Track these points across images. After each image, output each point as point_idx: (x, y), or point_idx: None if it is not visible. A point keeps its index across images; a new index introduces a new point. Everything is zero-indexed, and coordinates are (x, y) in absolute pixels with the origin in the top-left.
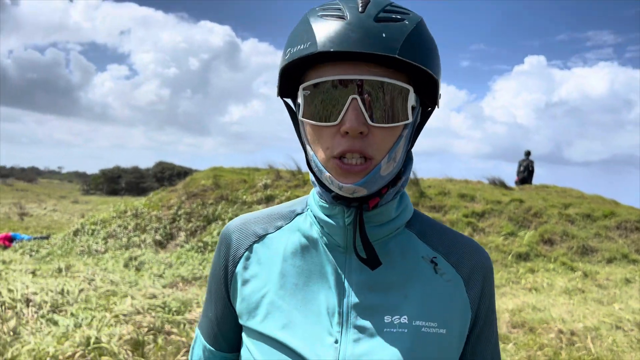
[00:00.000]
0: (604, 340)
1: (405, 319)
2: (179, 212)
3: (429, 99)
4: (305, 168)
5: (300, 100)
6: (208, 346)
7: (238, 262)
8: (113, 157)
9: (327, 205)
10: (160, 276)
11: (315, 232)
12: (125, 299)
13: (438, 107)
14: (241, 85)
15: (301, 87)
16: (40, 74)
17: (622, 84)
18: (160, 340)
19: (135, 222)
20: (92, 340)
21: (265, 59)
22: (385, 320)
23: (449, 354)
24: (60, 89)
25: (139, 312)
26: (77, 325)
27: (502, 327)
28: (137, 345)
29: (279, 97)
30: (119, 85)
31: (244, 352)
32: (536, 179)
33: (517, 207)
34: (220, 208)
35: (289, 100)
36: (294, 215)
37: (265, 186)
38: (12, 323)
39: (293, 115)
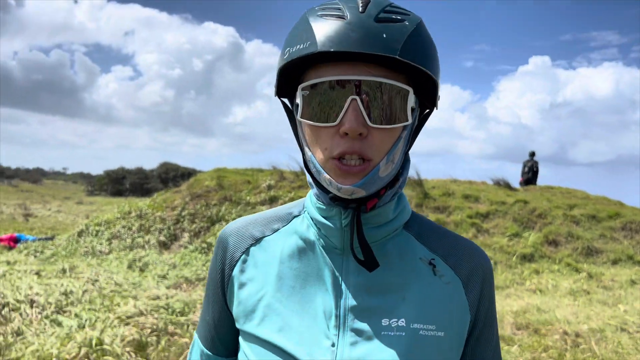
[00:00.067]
0: (609, 342)
1: (402, 321)
2: (183, 213)
3: (427, 101)
4: None
5: (299, 100)
6: (205, 350)
7: (235, 265)
8: (117, 158)
9: (325, 207)
10: (164, 277)
11: (312, 234)
12: (128, 300)
13: (437, 109)
14: (245, 86)
15: (300, 87)
16: (45, 75)
17: (627, 85)
18: (163, 342)
19: (139, 223)
20: (95, 342)
21: (269, 60)
22: (383, 323)
23: (448, 357)
24: (65, 90)
25: (142, 314)
26: (81, 327)
27: (507, 329)
28: (140, 347)
29: (277, 97)
30: (123, 86)
31: (240, 356)
32: (541, 180)
33: (521, 208)
34: (224, 209)
35: (287, 101)
36: (291, 217)
37: (269, 187)
38: (16, 324)
39: (291, 115)
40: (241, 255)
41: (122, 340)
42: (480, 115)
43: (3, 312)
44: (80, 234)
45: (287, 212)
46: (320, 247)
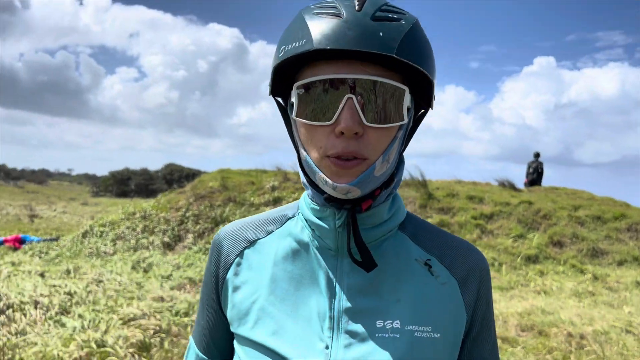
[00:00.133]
0: (614, 344)
1: (397, 323)
2: (187, 214)
3: (423, 100)
4: None
5: (293, 99)
6: (200, 354)
7: (229, 269)
8: (122, 159)
9: (319, 208)
10: (168, 278)
11: (306, 235)
12: (132, 301)
13: (432, 109)
14: (249, 87)
15: (295, 85)
16: (50, 77)
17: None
18: (166, 343)
19: (143, 224)
20: (97, 343)
21: None
22: (377, 325)
23: (444, 358)
24: (70, 91)
25: (145, 315)
26: (84, 328)
27: (511, 330)
28: (143, 348)
29: (271, 95)
30: (128, 87)
31: (235, 359)
32: (545, 181)
33: (526, 209)
34: (228, 210)
35: (281, 100)
36: (285, 219)
37: (273, 188)
38: (20, 324)
39: (285, 115)
40: (235, 258)
41: (126, 341)
42: (485, 116)
43: (7, 313)
44: (84, 235)
45: (281, 214)
46: (315, 249)
